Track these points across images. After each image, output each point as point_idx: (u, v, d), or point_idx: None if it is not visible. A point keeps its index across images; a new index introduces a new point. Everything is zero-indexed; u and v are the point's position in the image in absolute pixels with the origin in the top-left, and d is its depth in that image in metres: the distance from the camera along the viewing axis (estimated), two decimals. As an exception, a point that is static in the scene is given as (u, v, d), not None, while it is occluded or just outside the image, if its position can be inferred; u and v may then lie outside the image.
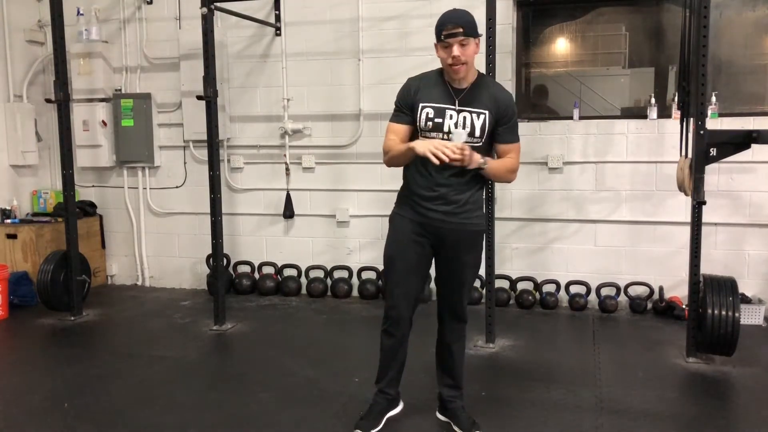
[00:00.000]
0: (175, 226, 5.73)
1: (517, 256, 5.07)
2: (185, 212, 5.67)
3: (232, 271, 5.56)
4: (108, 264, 5.93)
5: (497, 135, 2.76)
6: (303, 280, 5.42)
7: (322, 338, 4.45)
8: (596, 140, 4.83)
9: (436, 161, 2.54)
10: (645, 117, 4.71)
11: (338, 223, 5.37)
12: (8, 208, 5.45)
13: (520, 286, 5.02)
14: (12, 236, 5.26)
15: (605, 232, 4.89)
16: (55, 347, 4.36)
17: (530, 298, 4.96)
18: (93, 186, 5.88)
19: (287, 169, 5.35)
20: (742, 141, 3.62)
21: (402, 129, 2.79)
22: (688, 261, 3.80)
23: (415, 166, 2.76)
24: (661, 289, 4.77)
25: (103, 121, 5.59)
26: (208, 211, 4.53)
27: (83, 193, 5.79)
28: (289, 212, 5.38)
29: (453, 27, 2.61)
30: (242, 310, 5.01)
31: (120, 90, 5.66)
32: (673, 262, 4.75)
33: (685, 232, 4.05)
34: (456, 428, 2.95)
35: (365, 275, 5.30)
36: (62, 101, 4.68)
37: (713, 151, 3.58)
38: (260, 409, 3.24)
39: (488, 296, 4.10)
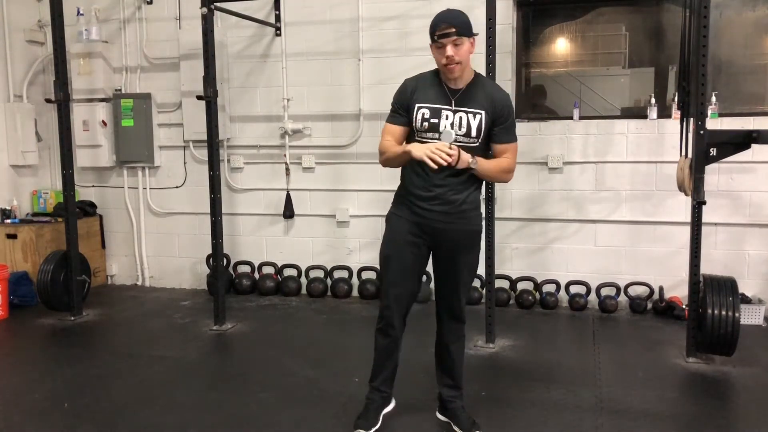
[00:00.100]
0: (175, 226, 5.73)
1: (517, 256, 5.07)
2: (185, 212, 5.67)
3: (232, 271, 5.56)
4: (108, 264, 5.93)
5: (494, 135, 2.75)
6: (303, 280, 5.42)
7: (322, 338, 4.45)
8: (596, 140, 4.83)
9: (433, 166, 2.55)
10: (645, 117, 4.71)
11: (338, 223, 5.37)
12: (8, 208, 5.45)
13: (520, 286, 5.02)
14: (12, 236, 5.26)
15: (605, 232, 4.89)
16: (55, 347, 4.36)
17: (530, 298, 4.96)
18: (93, 186, 5.88)
19: (287, 169, 5.35)
20: (742, 141, 3.62)
21: (398, 130, 2.79)
22: (688, 261, 3.80)
23: (411, 166, 2.75)
24: (661, 289, 4.77)
25: (103, 121, 5.59)
26: (208, 211, 4.53)
27: (83, 193, 5.78)
28: (289, 212, 5.38)
29: (446, 27, 2.61)
30: (242, 310, 5.01)
31: (120, 90, 5.66)
32: (673, 262, 4.75)
33: (685, 232, 4.05)
34: (456, 428, 2.95)
35: (365, 275, 5.30)
36: (62, 101, 4.68)
37: (713, 151, 3.58)
38: (260, 409, 3.24)
39: (488, 296, 4.09)
